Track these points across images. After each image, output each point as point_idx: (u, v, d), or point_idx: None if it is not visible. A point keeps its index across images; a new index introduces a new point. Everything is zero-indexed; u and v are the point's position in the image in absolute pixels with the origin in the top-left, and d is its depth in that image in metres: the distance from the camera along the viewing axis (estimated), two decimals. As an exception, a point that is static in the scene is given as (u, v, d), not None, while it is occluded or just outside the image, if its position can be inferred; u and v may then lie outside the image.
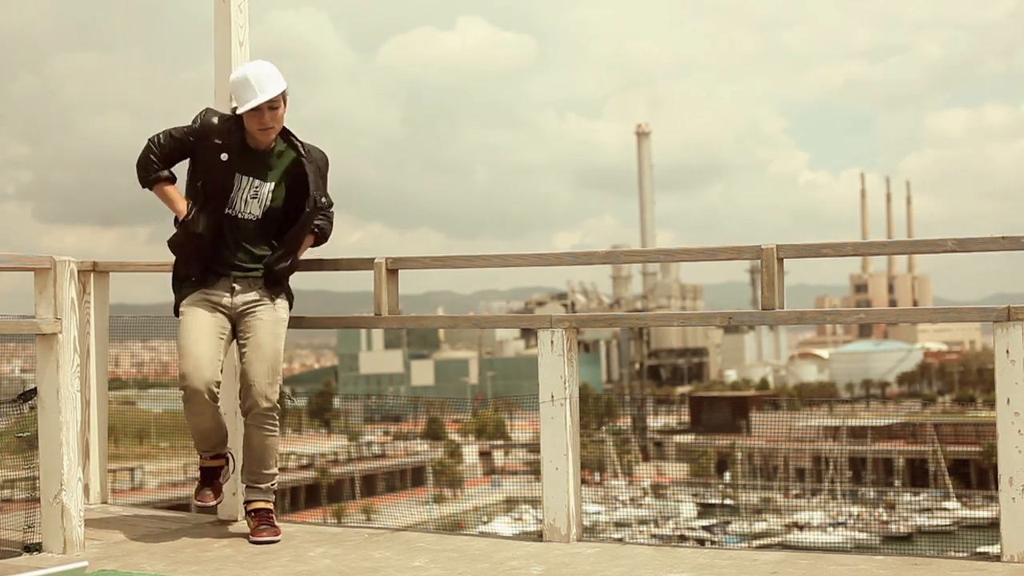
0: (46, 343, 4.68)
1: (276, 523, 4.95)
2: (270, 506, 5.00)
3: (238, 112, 4.80)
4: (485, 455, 62.93)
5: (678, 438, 64.08)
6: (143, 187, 4.90)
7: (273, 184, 4.93)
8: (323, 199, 5.02)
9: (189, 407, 4.88)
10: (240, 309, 4.92)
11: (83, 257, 5.56)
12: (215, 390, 4.85)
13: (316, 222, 5.05)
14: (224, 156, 4.79)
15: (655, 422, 69.26)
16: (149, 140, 4.88)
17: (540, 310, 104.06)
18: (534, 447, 50.70)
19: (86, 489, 5.45)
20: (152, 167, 4.85)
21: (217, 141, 4.80)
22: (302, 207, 4.94)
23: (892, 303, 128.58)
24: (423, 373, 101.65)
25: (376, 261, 5.30)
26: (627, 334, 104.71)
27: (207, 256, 4.88)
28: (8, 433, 4.80)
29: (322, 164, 5.05)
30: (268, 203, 4.92)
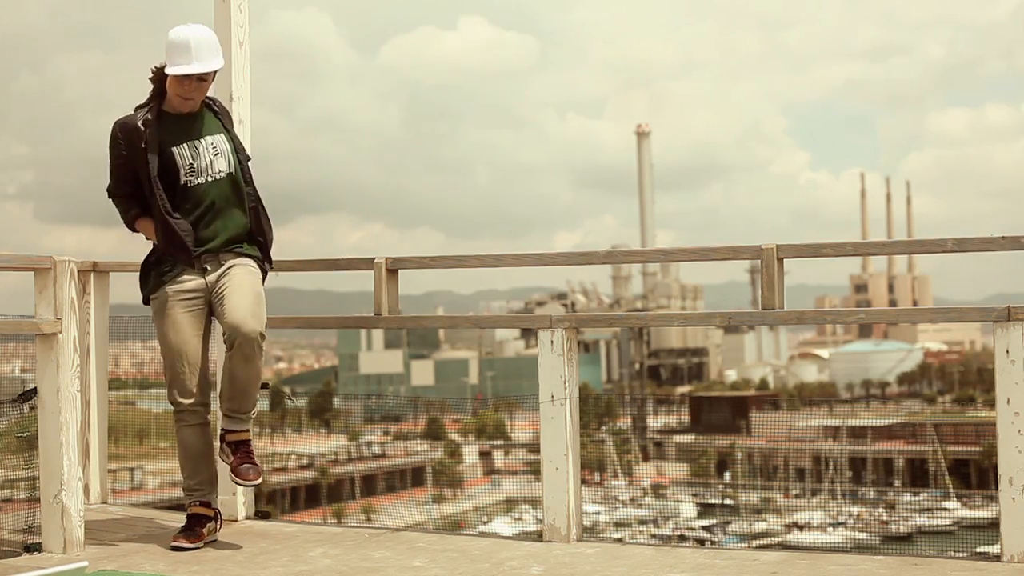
0: (46, 343, 4.68)
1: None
2: (250, 437, 4.87)
3: (167, 72, 4.68)
4: (485, 455, 62.89)
5: (678, 438, 64.08)
6: (133, 232, 4.87)
7: (222, 135, 4.84)
8: (245, 156, 4.94)
9: (178, 417, 4.84)
10: (214, 282, 4.77)
11: (83, 257, 5.57)
12: (209, 401, 4.86)
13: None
14: (161, 147, 4.69)
15: (655, 422, 69.23)
16: (107, 193, 4.85)
17: (540, 310, 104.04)
18: (534, 447, 50.68)
19: (86, 489, 5.45)
20: (122, 213, 4.84)
21: (144, 141, 4.68)
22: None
23: (892, 303, 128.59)
24: (423, 373, 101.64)
25: (376, 261, 5.30)
26: (627, 334, 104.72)
27: (188, 237, 4.71)
28: (8, 433, 4.80)
29: (228, 119, 4.98)
30: (230, 150, 4.81)
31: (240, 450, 4.80)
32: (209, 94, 4.88)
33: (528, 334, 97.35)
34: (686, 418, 70.18)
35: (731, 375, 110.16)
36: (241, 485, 4.87)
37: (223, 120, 4.90)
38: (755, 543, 36.97)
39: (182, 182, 4.72)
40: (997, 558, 4.27)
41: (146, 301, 4.88)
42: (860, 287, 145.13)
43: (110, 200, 4.87)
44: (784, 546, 30.93)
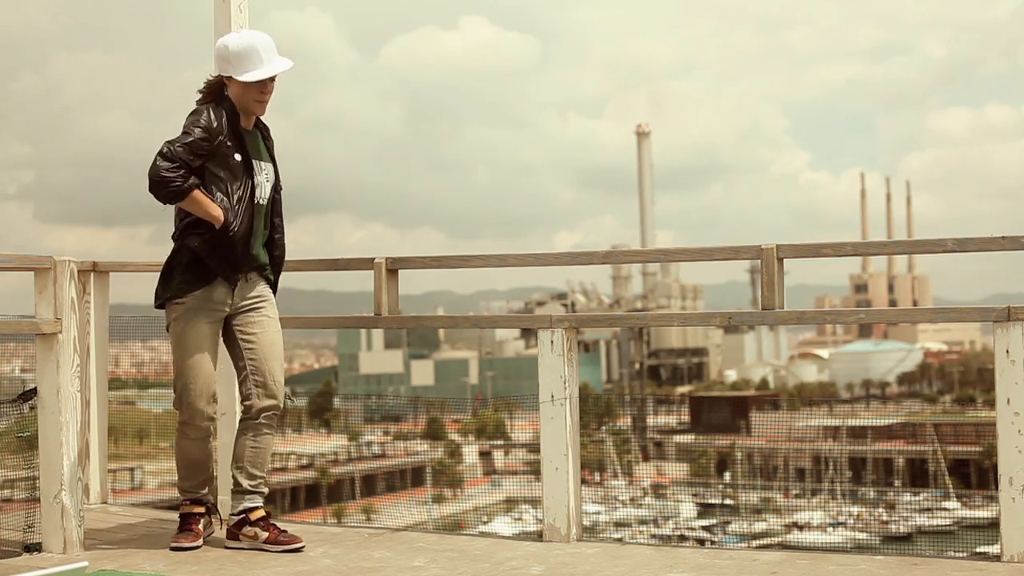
0: (46, 343, 4.68)
1: None
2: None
3: (244, 80, 4.61)
4: (485, 455, 62.90)
5: (678, 438, 64.07)
6: (169, 202, 4.59)
7: (271, 164, 4.84)
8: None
9: (185, 431, 4.76)
10: (240, 305, 4.76)
11: (84, 257, 5.57)
12: (215, 415, 4.84)
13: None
14: (238, 156, 4.64)
15: (655, 422, 69.21)
16: (163, 154, 4.48)
17: (540, 310, 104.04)
18: (534, 447, 50.69)
19: (86, 489, 5.45)
20: (178, 178, 4.48)
21: (229, 143, 4.63)
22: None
23: (892, 303, 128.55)
24: (423, 373, 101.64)
25: (376, 261, 5.30)
26: (627, 334, 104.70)
27: (238, 253, 4.66)
28: (8, 433, 4.80)
29: (272, 146, 4.94)
30: (272, 181, 4.82)
31: (270, 525, 4.74)
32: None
33: (528, 334, 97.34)
34: (686, 418, 70.15)
35: (731, 375, 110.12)
36: (292, 552, 4.68)
37: (270, 147, 4.86)
38: (755, 543, 36.98)
39: (249, 197, 4.67)
40: (997, 558, 4.27)
41: (162, 304, 4.73)
42: (860, 287, 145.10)
43: (162, 159, 4.49)
44: (784, 546, 30.94)
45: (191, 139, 4.52)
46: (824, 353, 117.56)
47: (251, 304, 4.79)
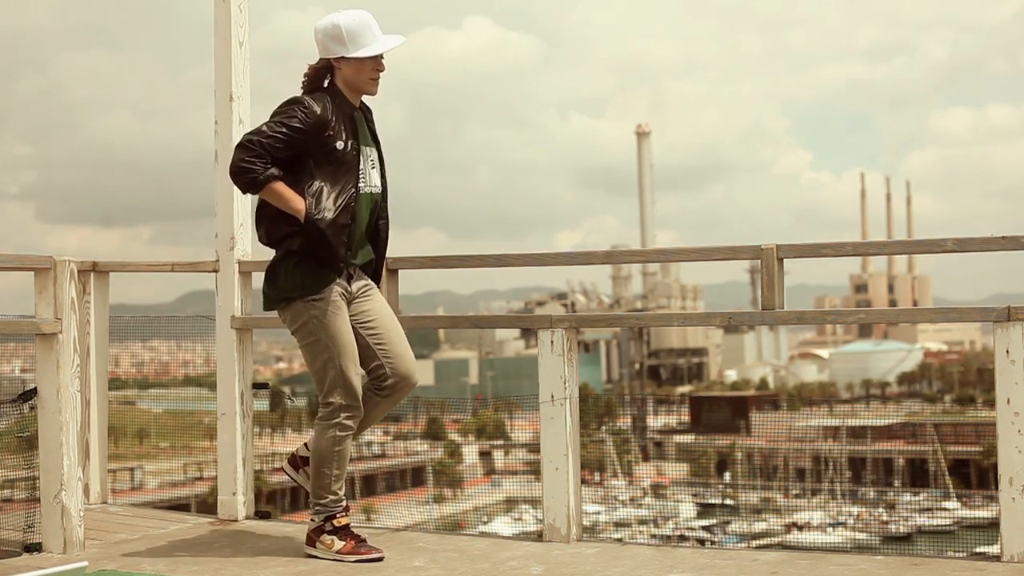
0: (46, 343, 4.68)
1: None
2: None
3: (362, 55, 4.47)
4: (485, 455, 62.90)
5: (678, 438, 64.03)
6: (246, 192, 4.51)
7: (376, 148, 4.67)
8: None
9: (346, 420, 4.54)
10: (355, 294, 4.63)
11: (84, 257, 5.57)
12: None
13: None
14: (340, 144, 4.46)
15: (655, 422, 69.14)
16: (242, 144, 4.40)
17: (540, 310, 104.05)
18: (534, 447, 50.68)
19: (86, 489, 5.46)
20: (255, 168, 4.37)
21: (329, 133, 4.44)
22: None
23: (892, 303, 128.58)
24: (423, 373, 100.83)
25: (376, 261, 5.29)
26: (627, 334, 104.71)
27: (341, 246, 4.49)
28: (8, 433, 4.80)
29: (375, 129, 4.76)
30: (382, 168, 4.69)
31: (350, 533, 4.58)
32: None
33: (528, 334, 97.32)
34: (686, 418, 70.10)
35: (731, 375, 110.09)
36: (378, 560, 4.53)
37: (373, 130, 4.69)
38: (755, 543, 36.97)
39: (356, 187, 4.52)
40: (997, 558, 4.27)
41: (282, 301, 4.54)
42: (860, 287, 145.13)
43: (241, 149, 4.40)
44: (784, 546, 30.93)
45: (279, 131, 4.39)
46: (824, 353, 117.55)
47: (362, 291, 4.66)
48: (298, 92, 4.56)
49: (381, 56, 4.57)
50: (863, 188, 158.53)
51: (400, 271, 5.33)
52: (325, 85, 4.57)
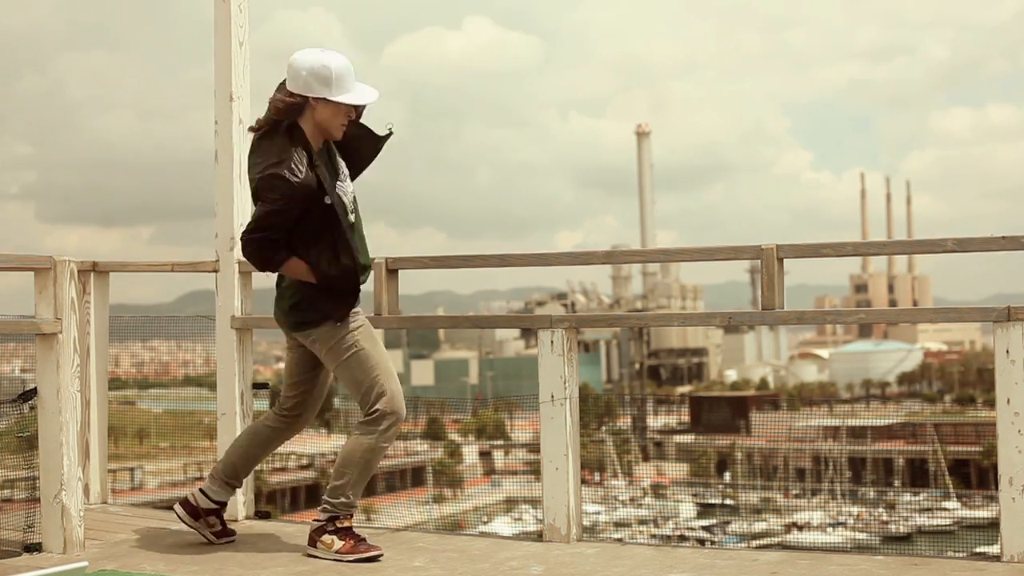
0: (46, 343, 4.68)
1: None
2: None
3: (345, 101, 4.46)
4: (485, 455, 62.90)
5: (678, 438, 64.03)
6: (266, 271, 4.67)
7: (343, 162, 4.72)
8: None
9: (389, 433, 4.65)
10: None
11: (85, 257, 5.57)
12: None
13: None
14: (328, 200, 4.48)
15: (655, 422, 69.13)
16: (246, 240, 4.50)
17: (540, 310, 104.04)
18: (534, 447, 50.66)
19: (86, 489, 5.46)
20: (268, 259, 4.53)
21: (316, 186, 4.47)
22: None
23: (892, 303, 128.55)
24: (423, 373, 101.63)
25: (376, 261, 5.30)
26: (627, 334, 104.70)
27: (355, 281, 4.63)
28: (8, 433, 4.80)
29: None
30: (350, 193, 4.70)
31: (350, 533, 4.62)
32: None
33: (528, 334, 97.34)
34: (686, 418, 70.10)
35: (731, 375, 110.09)
36: (376, 560, 4.56)
37: (333, 153, 4.70)
38: (755, 543, 36.97)
39: (349, 220, 4.59)
40: (997, 558, 4.27)
41: (316, 322, 4.64)
42: (860, 287, 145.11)
43: (247, 244, 4.51)
44: (784, 546, 30.93)
45: (269, 216, 4.44)
46: (824, 353, 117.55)
47: (364, 324, 4.75)
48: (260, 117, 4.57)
49: (359, 106, 4.59)
50: (863, 188, 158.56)
51: (400, 271, 5.33)
52: (285, 125, 4.51)
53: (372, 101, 4.57)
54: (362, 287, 4.70)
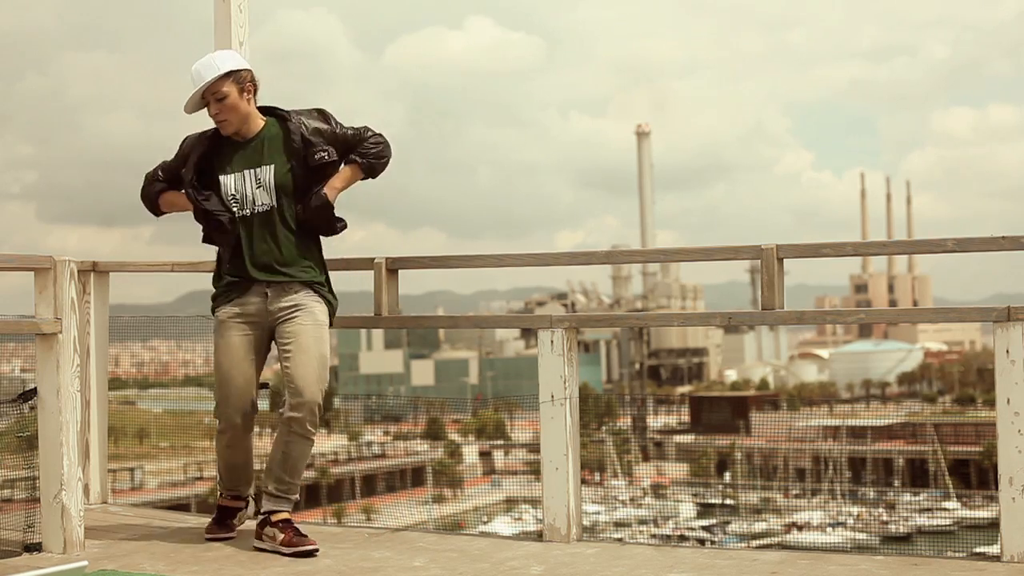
0: (46, 343, 4.68)
1: None
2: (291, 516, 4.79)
3: (185, 112, 4.77)
4: (485, 455, 62.92)
5: (678, 438, 64.06)
6: (154, 213, 4.94)
7: (274, 165, 4.71)
8: (323, 152, 4.71)
9: (222, 438, 4.85)
10: (277, 316, 4.73)
11: (85, 257, 5.57)
12: (251, 422, 4.82)
13: (358, 155, 4.80)
14: (218, 175, 4.75)
15: (655, 422, 69.17)
16: (145, 176, 4.93)
17: (540, 310, 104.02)
18: (534, 447, 50.67)
19: (86, 489, 5.45)
20: (146, 190, 4.92)
21: (201, 162, 4.77)
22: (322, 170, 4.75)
23: (892, 303, 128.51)
24: (423, 373, 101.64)
25: (376, 261, 5.30)
26: (627, 334, 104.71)
27: (236, 260, 4.75)
28: (8, 433, 4.80)
29: (310, 117, 4.77)
30: (273, 184, 4.69)
31: (288, 527, 4.65)
32: (296, 112, 4.80)
33: (528, 334, 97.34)
34: (686, 418, 70.13)
35: (731, 375, 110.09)
36: (303, 556, 4.57)
37: (277, 147, 4.74)
38: (755, 543, 36.99)
39: (232, 212, 4.73)
40: (997, 558, 4.27)
41: (213, 312, 4.89)
42: (860, 287, 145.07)
43: (144, 182, 4.94)
44: (784, 546, 30.94)
45: (169, 162, 4.89)
46: (824, 353, 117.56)
47: (285, 314, 4.73)
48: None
49: (213, 99, 4.70)
50: (863, 188, 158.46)
51: (400, 271, 5.33)
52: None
53: (187, 107, 4.74)
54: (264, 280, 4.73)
